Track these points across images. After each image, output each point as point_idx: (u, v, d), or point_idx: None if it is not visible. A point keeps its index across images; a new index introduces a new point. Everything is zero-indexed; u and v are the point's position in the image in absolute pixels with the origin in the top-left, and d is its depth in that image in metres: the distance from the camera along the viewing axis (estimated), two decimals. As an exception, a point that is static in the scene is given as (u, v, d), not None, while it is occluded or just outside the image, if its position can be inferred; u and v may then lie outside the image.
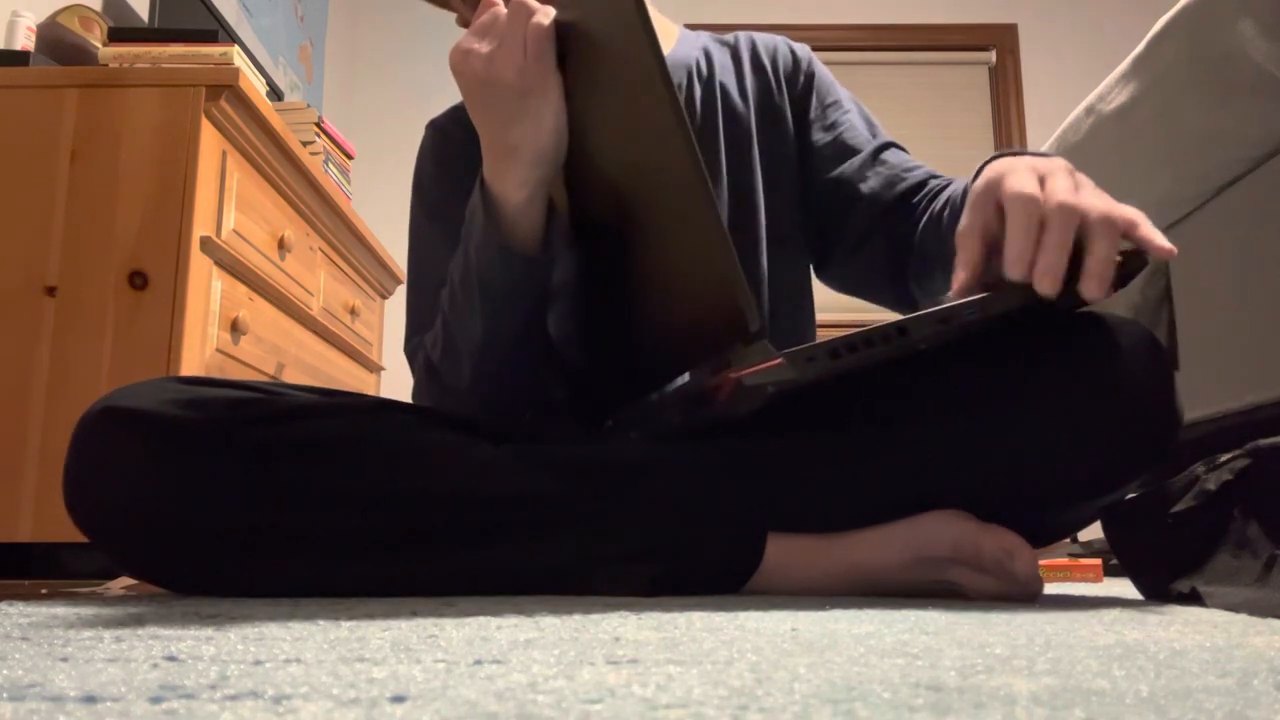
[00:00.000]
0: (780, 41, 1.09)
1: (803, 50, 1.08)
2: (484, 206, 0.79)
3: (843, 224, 0.99)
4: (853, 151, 1.00)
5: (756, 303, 0.94)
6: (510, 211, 0.78)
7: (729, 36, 1.09)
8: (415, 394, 0.94)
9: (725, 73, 1.04)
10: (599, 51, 0.74)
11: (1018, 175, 0.65)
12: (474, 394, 0.86)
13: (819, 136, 1.02)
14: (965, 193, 0.78)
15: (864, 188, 0.98)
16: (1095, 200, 0.63)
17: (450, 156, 1.01)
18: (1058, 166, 0.67)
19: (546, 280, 0.83)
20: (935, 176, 0.97)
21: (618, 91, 0.73)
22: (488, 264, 0.80)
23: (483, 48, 0.76)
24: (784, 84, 1.05)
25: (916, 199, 0.95)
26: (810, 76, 1.05)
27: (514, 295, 0.81)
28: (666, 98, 0.66)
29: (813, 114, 1.03)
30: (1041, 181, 0.65)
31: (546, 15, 0.76)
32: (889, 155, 0.99)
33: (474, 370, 0.85)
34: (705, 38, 1.09)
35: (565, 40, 0.76)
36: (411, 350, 0.95)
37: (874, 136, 1.02)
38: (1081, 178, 0.66)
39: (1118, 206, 0.63)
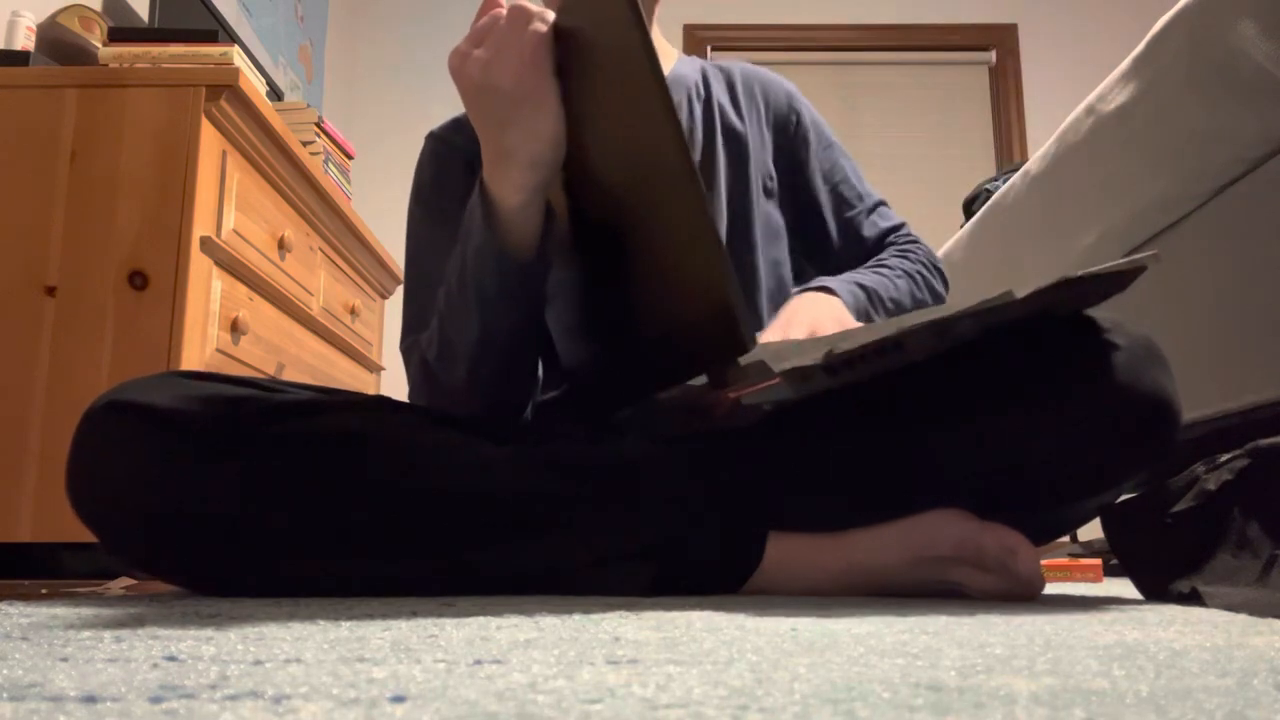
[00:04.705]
0: (770, 75, 1.13)
1: (792, 86, 1.13)
2: (482, 208, 0.79)
3: (829, 258, 1.07)
4: (849, 204, 1.07)
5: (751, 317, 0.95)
6: (506, 214, 0.78)
7: (721, 64, 1.14)
8: (411, 394, 0.94)
9: (722, 94, 1.08)
10: (598, 58, 0.73)
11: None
12: (469, 394, 0.86)
13: (819, 181, 1.07)
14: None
15: (866, 239, 1.06)
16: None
17: (449, 162, 1.01)
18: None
19: (542, 285, 0.83)
20: (914, 241, 1.06)
21: (615, 99, 0.72)
22: (483, 268, 0.80)
23: (480, 53, 0.75)
24: (773, 116, 1.09)
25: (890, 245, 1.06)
26: (799, 114, 1.10)
27: (509, 299, 0.81)
28: (662, 107, 0.65)
29: (813, 148, 1.08)
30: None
31: (545, 21, 0.75)
32: (880, 213, 1.08)
33: (469, 371, 0.85)
34: (701, 62, 1.13)
35: (565, 45, 0.75)
36: (407, 349, 0.95)
37: (863, 190, 1.09)
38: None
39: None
